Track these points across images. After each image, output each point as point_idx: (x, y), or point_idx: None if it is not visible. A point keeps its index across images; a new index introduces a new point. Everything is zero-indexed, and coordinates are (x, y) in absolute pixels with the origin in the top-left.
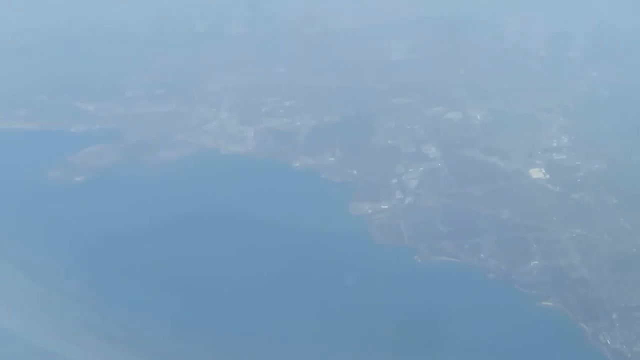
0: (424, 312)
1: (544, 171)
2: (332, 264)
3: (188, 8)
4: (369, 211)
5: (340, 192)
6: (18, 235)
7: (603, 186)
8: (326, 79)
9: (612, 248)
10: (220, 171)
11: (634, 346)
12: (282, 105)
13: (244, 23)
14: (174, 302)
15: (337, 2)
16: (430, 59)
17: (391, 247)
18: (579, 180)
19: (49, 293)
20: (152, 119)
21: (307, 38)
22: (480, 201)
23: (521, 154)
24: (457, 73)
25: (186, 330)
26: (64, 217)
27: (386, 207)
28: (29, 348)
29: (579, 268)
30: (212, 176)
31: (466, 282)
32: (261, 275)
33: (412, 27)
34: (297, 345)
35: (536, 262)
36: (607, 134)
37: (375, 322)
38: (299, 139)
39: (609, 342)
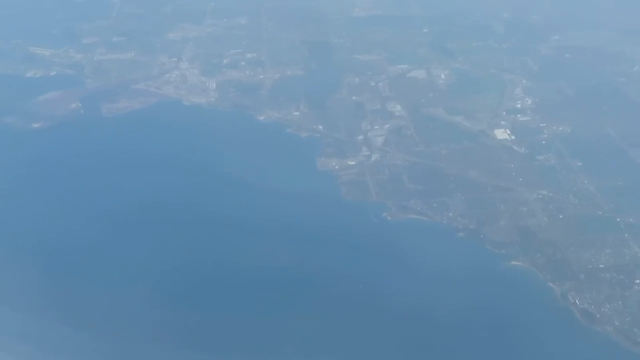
0: (400, 271)
1: (509, 132)
2: (302, 220)
3: None
4: (336, 167)
5: (306, 147)
6: None
7: (567, 149)
8: (288, 33)
9: (578, 210)
10: (184, 122)
11: (602, 307)
12: (244, 58)
13: None
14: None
15: None
16: (393, 16)
17: (360, 203)
18: (543, 142)
19: None
20: (111, 66)
21: None
22: (447, 160)
23: (486, 114)
24: (420, 31)
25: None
26: (21, 163)
27: (353, 163)
28: None
29: (546, 229)
30: (176, 127)
31: (437, 240)
32: (232, 232)
33: None
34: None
35: (504, 222)
36: (569, 97)
37: (351, 280)
38: (263, 92)
39: (577, 302)
